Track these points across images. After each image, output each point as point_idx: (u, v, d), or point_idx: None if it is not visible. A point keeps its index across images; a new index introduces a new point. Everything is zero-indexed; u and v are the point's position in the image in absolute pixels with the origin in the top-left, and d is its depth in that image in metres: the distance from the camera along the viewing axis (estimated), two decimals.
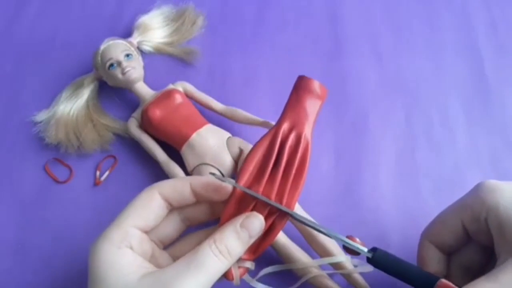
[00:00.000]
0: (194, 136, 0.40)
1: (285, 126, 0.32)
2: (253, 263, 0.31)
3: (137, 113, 0.43)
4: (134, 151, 0.43)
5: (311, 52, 0.49)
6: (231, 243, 0.28)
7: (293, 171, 0.31)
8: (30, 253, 0.39)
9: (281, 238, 0.37)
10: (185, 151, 0.40)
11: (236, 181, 0.30)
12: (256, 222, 0.29)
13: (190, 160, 0.40)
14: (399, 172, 0.43)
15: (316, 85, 0.32)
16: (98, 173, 0.42)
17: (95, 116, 0.44)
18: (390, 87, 0.47)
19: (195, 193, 0.30)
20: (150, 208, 0.29)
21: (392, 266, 0.30)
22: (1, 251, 0.39)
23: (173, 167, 0.40)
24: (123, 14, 0.50)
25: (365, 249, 0.30)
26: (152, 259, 0.30)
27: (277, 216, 0.30)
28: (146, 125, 0.42)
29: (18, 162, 0.43)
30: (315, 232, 0.37)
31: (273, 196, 0.30)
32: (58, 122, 0.43)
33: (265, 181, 0.30)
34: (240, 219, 0.29)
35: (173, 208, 0.31)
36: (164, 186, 0.30)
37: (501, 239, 0.29)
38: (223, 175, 0.39)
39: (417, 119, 0.45)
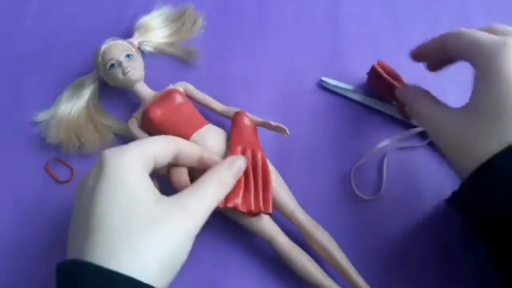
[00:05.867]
0: (194, 136, 0.40)
1: (238, 149, 0.38)
2: None
3: (138, 113, 0.43)
4: None
5: (311, 52, 0.49)
6: (225, 174, 0.34)
7: (260, 178, 0.37)
8: (30, 254, 0.39)
9: (285, 242, 0.37)
10: None
11: None
12: (240, 160, 0.35)
13: None
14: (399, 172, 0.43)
15: (247, 116, 0.41)
16: None
17: (96, 116, 0.44)
18: None
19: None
20: (168, 150, 0.33)
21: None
22: (1, 251, 0.40)
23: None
24: (123, 15, 0.50)
25: None
26: None
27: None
28: (147, 125, 0.42)
29: (19, 162, 0.44)
30: (315, 232, 0.38)
31: (252, 202, 0.36)
32: (59, 123, 0.43)
33: (242, 192, 0.36)
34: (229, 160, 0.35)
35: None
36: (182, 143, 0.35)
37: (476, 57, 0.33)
38: None
39: None
